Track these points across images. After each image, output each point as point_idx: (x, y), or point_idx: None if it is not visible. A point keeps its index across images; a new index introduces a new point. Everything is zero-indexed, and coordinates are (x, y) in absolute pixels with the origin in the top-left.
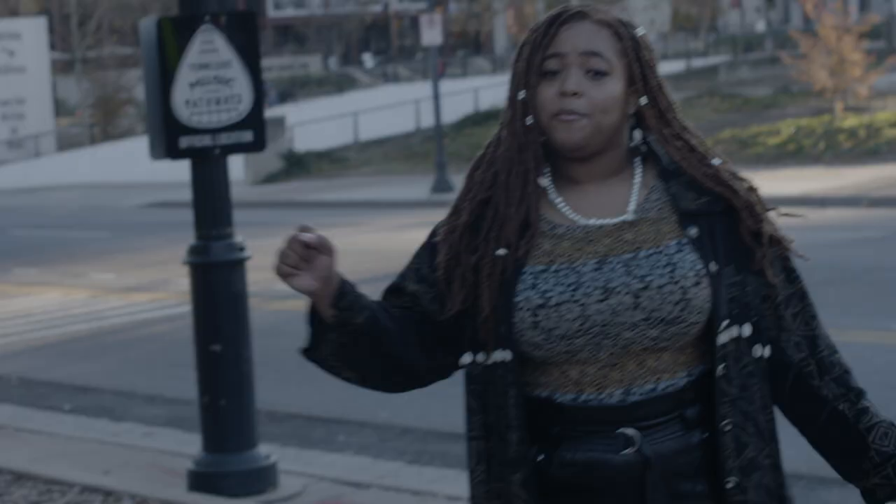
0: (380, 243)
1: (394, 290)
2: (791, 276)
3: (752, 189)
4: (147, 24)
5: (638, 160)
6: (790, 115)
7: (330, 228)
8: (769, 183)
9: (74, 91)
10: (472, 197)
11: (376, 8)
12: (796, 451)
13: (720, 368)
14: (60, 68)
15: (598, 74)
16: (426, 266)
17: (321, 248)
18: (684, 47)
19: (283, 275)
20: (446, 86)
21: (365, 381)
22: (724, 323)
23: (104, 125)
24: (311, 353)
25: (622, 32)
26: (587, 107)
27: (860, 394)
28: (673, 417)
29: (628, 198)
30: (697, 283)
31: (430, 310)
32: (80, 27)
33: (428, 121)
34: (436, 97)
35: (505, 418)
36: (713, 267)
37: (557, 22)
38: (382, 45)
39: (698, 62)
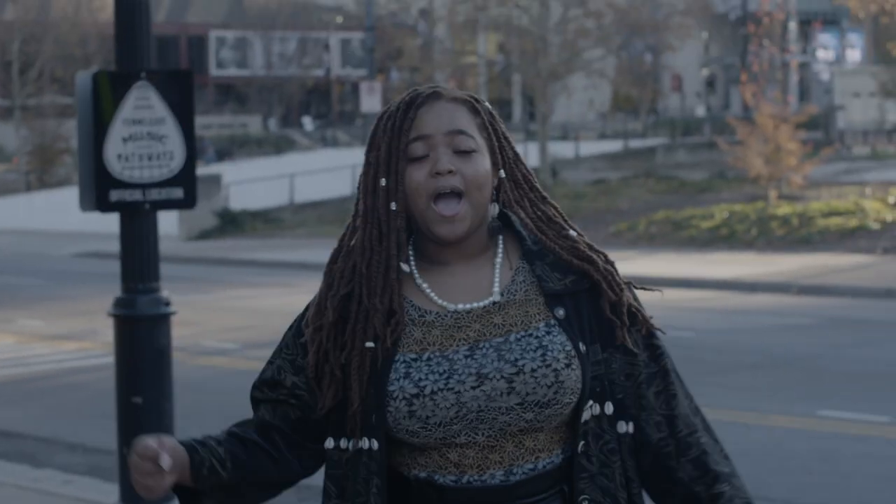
0: None
1: (270, 383)
2: (655, 353)
3: (608, 262)
4: (83, 78)
5: (500, 238)
6: (724, 200)
7: (261, 288)
8: (701, 266)
9: (12, 138)
10: (333, 294)
11: (318, 72)
12: None
13: (580, 445)
14: None
15: (467, 153)
16: (300, 357)
17: (165, 455)
18: (623, 128)
19: (148, 495)
20: None
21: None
22: (589, 402)
23: (41, 173)
24: None
25: (478, 107)
26: (463, 183)
27: (717, 477)
28: (554, 493)
29: (493, 279)
30: (569, 365)
31: (311, 401)
32: (21, 75)
33: None
34: None
35: None
36: (582, 347)
37: (415, 105)
38: (323, 109)
39: (636, 143)
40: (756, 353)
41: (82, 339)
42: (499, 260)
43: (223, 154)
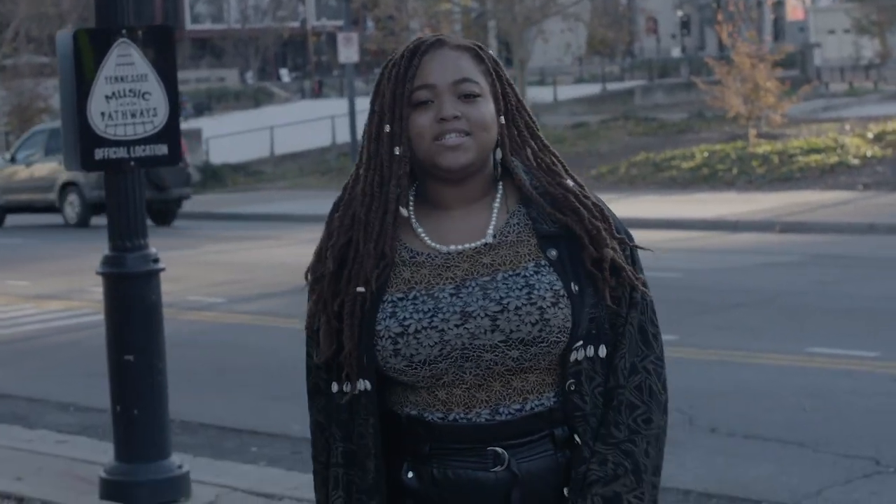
0: (294, 258)
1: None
2: (630, 302)
3: (596, 216)
4: (64, 37)
5: (500, 184)
6: (704, 140)
7: (245, 241)
8: (682, 206)
9: None
10: (333, 243)
11: (294, 24)
12: (707, 470)
13: (570, 384)
14: None
15: (471, 97)
16: None
17: None
18: (600, 71)
19: None
20: (362, 103)
21: None
22: (578, 343)
23: (20, 133)
24: None
25: (482, 54)
26: (469, 126)
27: (603, 437)
28: (542, 436)
29: (489, 222)
30: (555, 304)
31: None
32: None
33: (343, 136)
34: (352, 113)
35: (365, 447)
36: (574, 288)
37: (419, 53)
38: (299, 61)
39: (614, 86)
40: (742, 293)
41: (69, 299)
42: (497, 204)
43: (201, 109)
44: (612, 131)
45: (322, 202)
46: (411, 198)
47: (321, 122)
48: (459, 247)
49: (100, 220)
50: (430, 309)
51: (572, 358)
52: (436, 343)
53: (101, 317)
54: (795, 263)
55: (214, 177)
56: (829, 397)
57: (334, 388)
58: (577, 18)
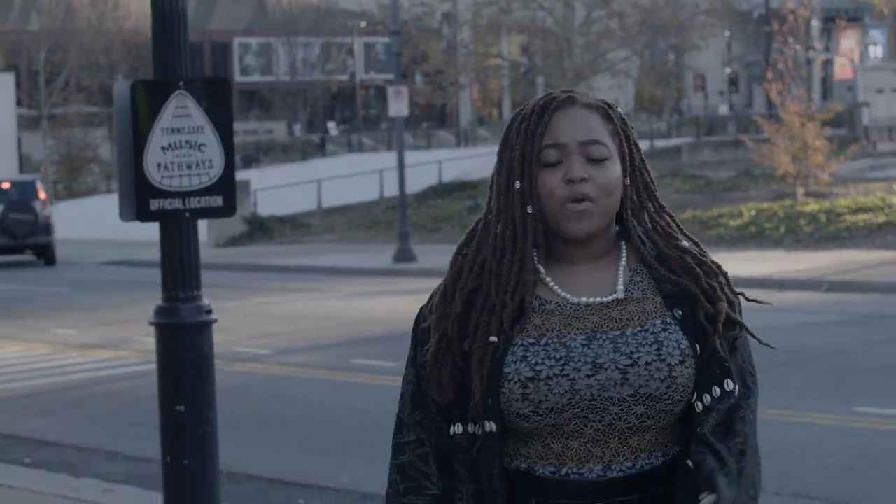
0: (341, 310)
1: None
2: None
3: (712, 274)
4: (122, 87)
5: (622, 243)
6: (751, 198)
7: (291, 293)
8: (729, 264)
9: (40, 147)
10: (461, 286)
11: (342, 77)
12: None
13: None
14: (26, 124)
15: (600, 160)
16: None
17: None
18: (648, 128)
19: None
20: (410, 157)
21: None
22: (698, 397)
23: (68, 182)
24: None
25: (611, 114)
26: (595, 190)
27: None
28: (647, 495)
29: (615, 278)
30: (682, 362)
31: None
32: (48, 84)
33: (391, 190)
34: (401, 167)
35: (493, 489)
36: (698, 348)
37: (549, 110)
38: (347, 114)
39: (661, 143)
40: (788, 351)
41: (116, 348)
42: (622, 262)
43: (249, 160)
44: (660, 188)
45: (369, 255)
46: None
47: (369, 175)
48: (590, 299)
49: (147, 271)
50: (561, 357)
51: (699, 408)
52: (566, 391)
53: (146, 366)
54: (842, 323)
55: (262, 228)
56: (876, 457)
57: (458, 429)
58: (627, 75)
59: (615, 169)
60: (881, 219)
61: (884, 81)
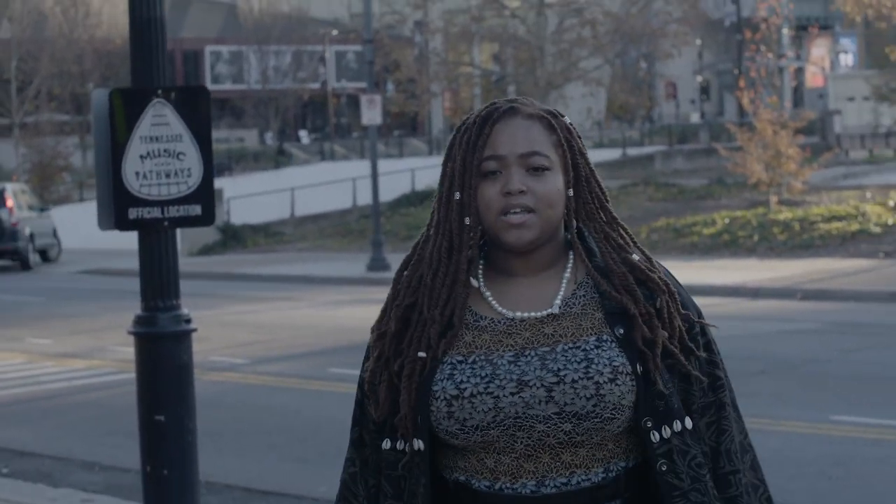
0: (315, 319)
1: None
2: (715, 383)
3: (661, 292)
4: (99, 95)
5: (570, 253)
6: (725, 207)
7: (266, 302)
8: (703, 273)
9: (12, 156)
10: (398, 304)
11: (314, 85)
12: None
13: (661, 465)
14: None
15: (540, 170)
16: None
17: None
18: (620, 136)
19: None
20: (383, 165)
21: None
22: (646, 420)
23: (40, 191)
24: None
25: (554, 124)
26: (534, 202)
27: None
28: None
29: (556, 292)
30: (613, 380)
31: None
32: (20, 93)
33: (364, 199)
34: (374, 175)
35: None
36: (640, 368)
37: (490, 121)
38: (319, 123)
39: (634, 151)
40: (763, 360)
41: (90, 357)
42: (567, 274)
43: (221, 168)
44: (632, 196)
45: (343, 264)
46: (480, 263)
47: (342, 183)
48: (524, 314)
49: (122, 280)
50: (487, 374)
51: (656, 438)
52: (490, 409)
53: (123, 376)
54: (817, 331)
55: (235, 237)
56: (853, 465)
57: (387, 444)
58: (599, 83)
59: (556, 180)
60: (854, 227)
61: (855, 89)
